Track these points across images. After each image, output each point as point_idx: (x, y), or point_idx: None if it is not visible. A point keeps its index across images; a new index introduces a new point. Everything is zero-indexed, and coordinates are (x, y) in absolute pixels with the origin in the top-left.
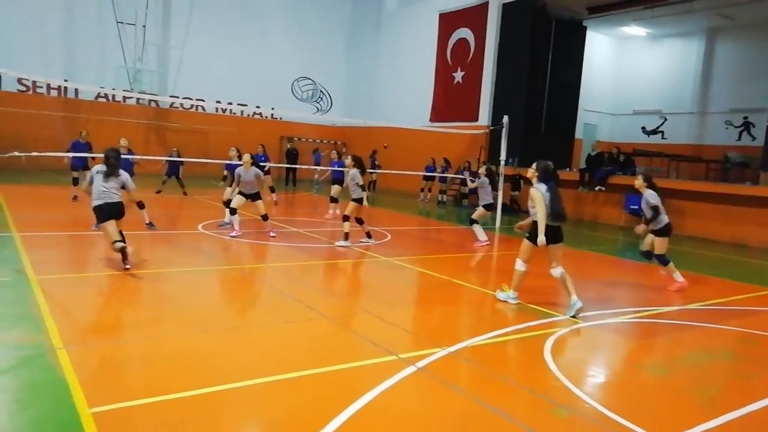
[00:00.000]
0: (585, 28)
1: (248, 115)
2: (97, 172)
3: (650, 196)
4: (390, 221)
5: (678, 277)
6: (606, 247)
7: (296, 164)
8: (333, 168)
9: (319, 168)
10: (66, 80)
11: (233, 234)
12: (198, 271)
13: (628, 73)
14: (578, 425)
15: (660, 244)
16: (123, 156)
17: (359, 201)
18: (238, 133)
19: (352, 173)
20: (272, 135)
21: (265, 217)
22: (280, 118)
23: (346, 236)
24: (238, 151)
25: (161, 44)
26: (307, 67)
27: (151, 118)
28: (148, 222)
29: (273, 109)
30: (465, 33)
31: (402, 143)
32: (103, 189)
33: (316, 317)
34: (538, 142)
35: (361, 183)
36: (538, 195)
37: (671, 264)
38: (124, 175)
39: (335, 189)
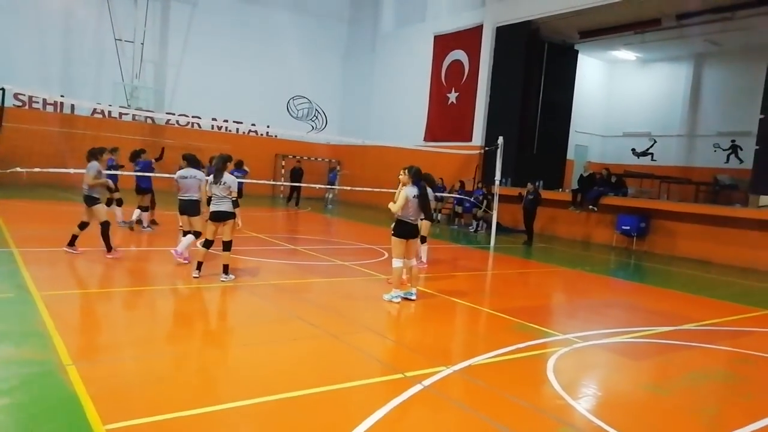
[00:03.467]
0: (577, 52)
1: (244, 132)
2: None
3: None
4: (387, 240)
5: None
6: (599, 267)
7: (301, 182)
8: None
9: (330, 187)
10: (62, 96)
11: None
12: (204, 288)
13: (618, 96)
14: None
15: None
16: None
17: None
18: (233, 150)
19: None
20: (267, 152)
21: (196, 234)
22: (276, 136)
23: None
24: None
25: (158, 61)
26: (302, 85)
27: (146, 134)
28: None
29: (268, 126)
30: (459, 55)
31: (396, 162)
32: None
33: (321, 335)
34: (531, 162)
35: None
36: (404, 192)
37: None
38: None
39: None
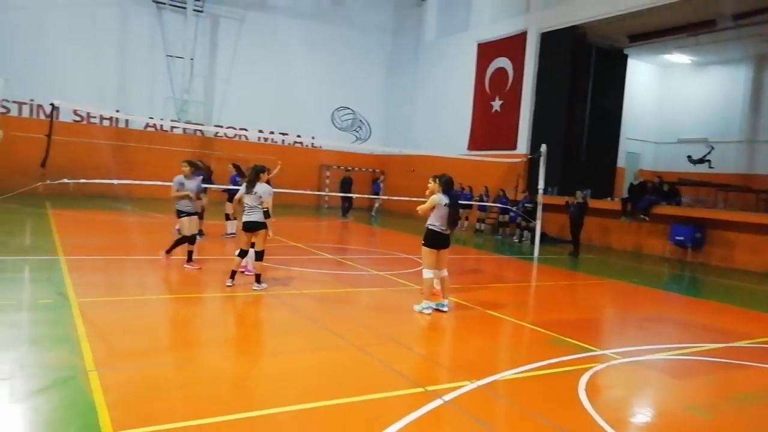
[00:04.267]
0: (626, 56)
1: (289, 143)
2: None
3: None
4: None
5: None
6: (649, 280)
7: (351, 192)
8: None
9: (376, 197)
10: (117, 111)
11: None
12: (235, 297)
13: (672, 101)
14: None
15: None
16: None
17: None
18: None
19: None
20: (312, 163)
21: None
22: (320, 147)
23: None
24: (235, 168)
25: (207, 76)
26: (346, 96)
27: (196, 146)
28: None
29: (313, 138)
30: (503, 62)
31: (439, 172)
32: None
33: (346, 346)
34: (579, 170)
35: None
36: (433, 198)
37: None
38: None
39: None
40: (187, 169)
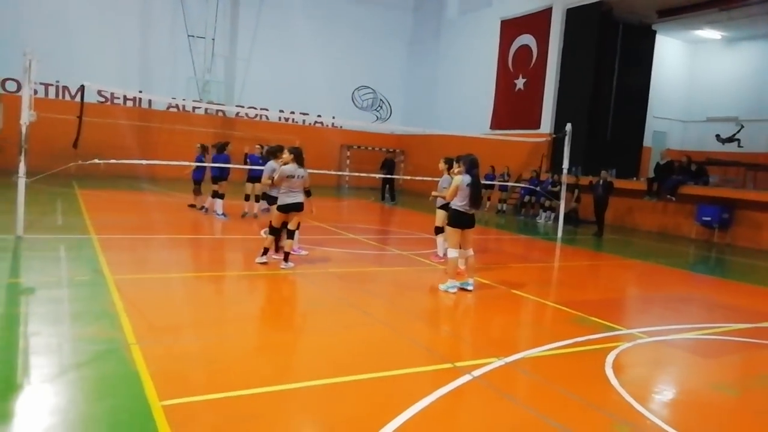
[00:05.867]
0: (654, 32)
1: (310, 123)
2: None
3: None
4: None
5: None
6: (675, 260)
7: (393, 174)
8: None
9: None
10: (141, 91)
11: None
12: (264, 275)
13: (701, 79)
14: None
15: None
16: None
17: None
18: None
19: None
20: (333, 143)
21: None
22: (341, 127)
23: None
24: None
25: (228, 56)
26: (367, 76)
27: (218, 126)
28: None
29: (333, 117)
30: (527, 39)
31: (460, 150)
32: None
33: (373, 323)
34: (603, 149)
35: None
36: (456, 180)
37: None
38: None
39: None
40: (287, 156)
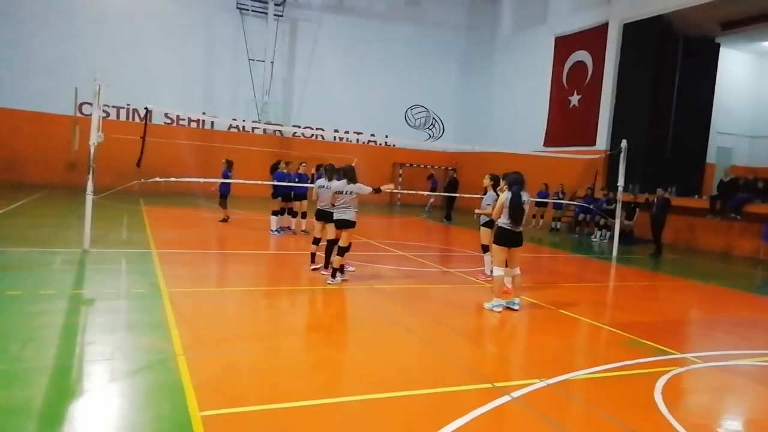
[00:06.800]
0: (718, 45)
1: (363, 142)
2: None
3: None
4: None
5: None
6: (739, 282)
7: (456, 193)
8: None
9: (430, 194)
10: (204, 113)
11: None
12: (306, 290)
13: None
14: None
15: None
16: None
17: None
18: (356, 159)
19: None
20: (386, 161)
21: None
22: (393, 145)
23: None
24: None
25: (286, 78)
26: (420, 94)
27: (275, 146)
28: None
29: (387, 136)
30: (582, 56)
31: (513, 168)
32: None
33: (415, 340)
34: (663, 166)
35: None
36: (501, 198)
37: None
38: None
39: None
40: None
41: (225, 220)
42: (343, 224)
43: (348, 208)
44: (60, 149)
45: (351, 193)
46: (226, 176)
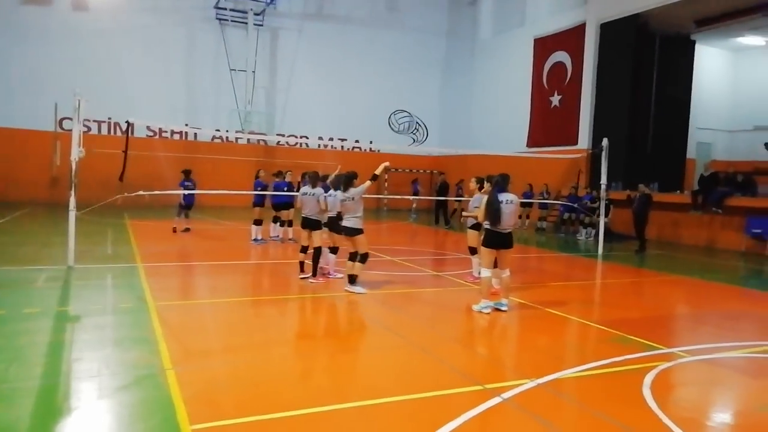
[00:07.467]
0: (693, 42)
1: (348, 149)
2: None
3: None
4: None
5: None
6: (723, 275)
7: (446, 197)
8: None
9: (414, 198)
10: (186, 125)
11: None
12: (294, 299)
13: (746, 86)
14: None
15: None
16: None
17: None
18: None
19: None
20: (371, 167)
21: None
22: (378, 151)
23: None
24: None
25: (269, 87)
26: (403, 99)
27: (260, 155)
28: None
29: (371, 142)
30: (561, 56)
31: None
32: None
33: (405, 345)
34: (645, 163)
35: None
36: (485, 200)
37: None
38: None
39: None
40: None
41: (187, 230)
42: (350, 232)
43: (352, 216)
44: (41, 166)
45: (353, 198)
46: (184, 186)
